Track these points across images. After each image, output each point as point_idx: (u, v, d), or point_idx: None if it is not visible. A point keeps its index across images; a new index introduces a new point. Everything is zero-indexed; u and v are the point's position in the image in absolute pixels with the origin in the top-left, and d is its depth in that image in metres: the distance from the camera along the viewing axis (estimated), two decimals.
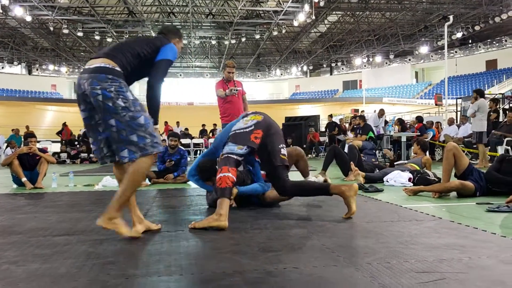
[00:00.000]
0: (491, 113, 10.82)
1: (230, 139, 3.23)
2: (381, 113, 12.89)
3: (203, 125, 19.35)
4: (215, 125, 18.96)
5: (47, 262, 2.10)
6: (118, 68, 2.62)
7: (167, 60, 2.81)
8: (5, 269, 1.99)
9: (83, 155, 14.77)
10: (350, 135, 11.25)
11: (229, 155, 3.11)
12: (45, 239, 2.63)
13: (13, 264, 2.06)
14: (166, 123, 19.36)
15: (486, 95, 17.18)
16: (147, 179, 6.43)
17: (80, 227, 2.99)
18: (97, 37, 32.74)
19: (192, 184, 6.27)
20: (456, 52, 38.39)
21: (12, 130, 16.26)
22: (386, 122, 12.87)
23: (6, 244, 2.50)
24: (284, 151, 3.35)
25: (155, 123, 2.70)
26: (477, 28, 29.90)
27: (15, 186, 6.10)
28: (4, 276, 1.88)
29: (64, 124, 18.11)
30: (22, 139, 15.99)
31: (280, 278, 1.81)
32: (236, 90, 5.84)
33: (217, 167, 3.36)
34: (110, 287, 1.73)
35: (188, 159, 7.99)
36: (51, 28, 29.32)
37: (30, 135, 6.51)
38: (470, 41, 38.53)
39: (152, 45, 2.81)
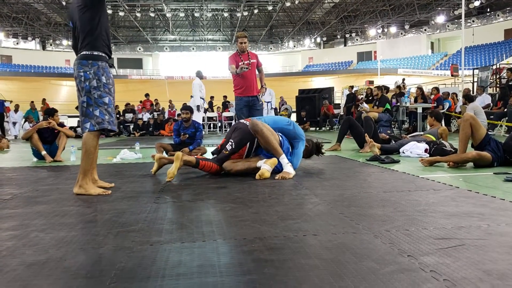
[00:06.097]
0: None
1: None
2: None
3: (211, 97, 19.22)
4: (225, 97, 18.78)
5: (73, 230, 2.17)
6: (96, 52, 3.18)
7: None
8: (34, 236, 2.06)
9: None
10: (365, 105, 11.12)
11: None
12: (69, 209, 2.71)
13: (41, 232, 2.14)
14: (147, 95, 19.19)
15: (504, 65, 16.88)
16: (164, 152, 6.49)
17: (102, 198, 3.06)
18: (109, 11, 32.65)
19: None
20: (473, 21, 37.45)
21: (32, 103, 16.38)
22: (402, 94, 12.70)
23: (33, 213, 2.58)
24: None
25: None
26: None
27: (35, 159, 6.22)
28: (34, 243, 1.96)
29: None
30: (39, 114, 16.14)
31: (301, 244, 1.85)
32: (246, 68, 5.80)
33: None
34: (135, 253, 1.78)
35: (203, 132, 8.02)
36: (64, 3, 29.25)
37: (51, 110, 6.56)
38: (488, 10, 37.48)
39: None
